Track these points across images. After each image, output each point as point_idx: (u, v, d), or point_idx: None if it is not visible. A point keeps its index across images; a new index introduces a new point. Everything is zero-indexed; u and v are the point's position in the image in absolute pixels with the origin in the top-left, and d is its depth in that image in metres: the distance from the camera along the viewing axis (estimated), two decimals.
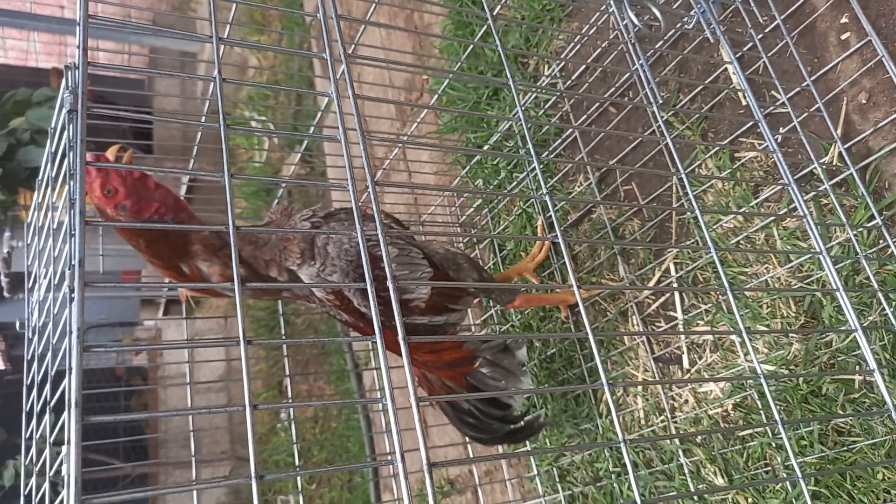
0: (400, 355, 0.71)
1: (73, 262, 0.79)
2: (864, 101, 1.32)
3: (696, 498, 1.59)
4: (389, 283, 0.74)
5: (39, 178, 1.55)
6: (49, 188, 1.46)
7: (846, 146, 1.33)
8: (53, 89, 4.79)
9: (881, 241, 1.27)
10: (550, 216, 1.98)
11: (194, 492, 1.83)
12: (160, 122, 4.87)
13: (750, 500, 1.49)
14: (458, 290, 1.62)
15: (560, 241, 0.92)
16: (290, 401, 2.52)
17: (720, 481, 1.54)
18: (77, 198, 0.80)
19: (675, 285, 1.69)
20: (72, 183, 1.05)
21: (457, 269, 1.61)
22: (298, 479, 2.46)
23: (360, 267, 1.33)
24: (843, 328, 1.22)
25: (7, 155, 4.21)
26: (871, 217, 1.27)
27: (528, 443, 2.13)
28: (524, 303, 1.82)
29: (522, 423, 1.66)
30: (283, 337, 2.42)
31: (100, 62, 0.86)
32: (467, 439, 2.32)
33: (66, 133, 1.17)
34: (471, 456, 2.32)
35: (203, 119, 1.82)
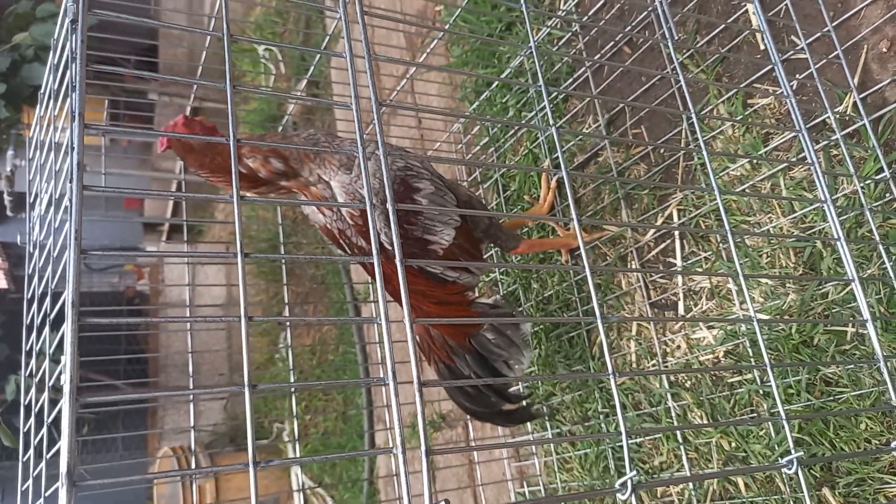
0: (398, 301, 0.72)
1: (71, 175, 0.78)
2: (884, 50, 1.28)
3: (680, 439, 1.62)
4: (389, 205, 0.73)
5: (42, 91, 1.53)
6: (51, 101, 1.45)
7: (861, 96, 1.30)
8: (57, 6, 4.68)
9: (888, 195, 1.25)
10: (557, 157, 1.96)
11: (191, 409, 1.88)
12: (166, 45, 4.77)
13: (734, 444, 1.52)
14: (476, 248, 1.60)
15: (564, 176, 0.91)
16: (289, 331, 2.55)
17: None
18: (77, 109, 0.79)
19: (676, 232, 1.68)
20: (73, 95, 1.03)
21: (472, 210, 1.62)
22: (294, 406, 2.51)
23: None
24: (841, 279, 1.22)
25: (10, 72, 4.14)
26: (880, 170, 1.26)
27: (520, 383, 2.17)
28: (527, 248, 1.81)
29: (518, 404, 1.66)
30: (284, 271, 2.43)
31: None
32: None
33: (68, 44, 1.14)
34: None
35: (209, 39, 1.79)
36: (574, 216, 0.89)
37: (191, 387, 2.14)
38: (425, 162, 1.50)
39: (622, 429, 0.79)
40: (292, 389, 2.14)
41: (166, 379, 4.40)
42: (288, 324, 2.13)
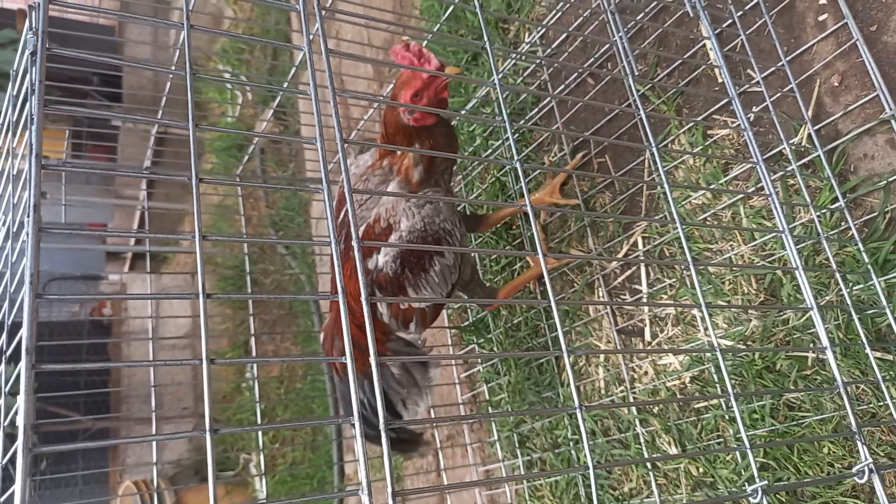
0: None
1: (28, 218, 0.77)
2: (836, 84, 1.33)
3: (649, 466, 1.63)
4: (354, 243, 0.73)
5: (0, 122, 1.49)
6: (10, 133, 1.42)
7: (816, 128, 1.34)
8: (18, 32, 4.61)
9: (843, 223, 1.29)
10: (524, 184, 1.98)
11: (154, 446, 1.83)
12: (130, 71, 4.73)
13: (701, 469, 1.53)
14: (434, 318, 1.63)
15: (528, 209, 0.93)
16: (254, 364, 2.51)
17: (674, 451, 1.58)
18: (34, 143, 0.77)
19: (641, 258, 1.71)
20: (31, 130, 1.02)
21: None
22: (260, 437, 2.47)
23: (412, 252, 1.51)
24: (800, 306, 1.24)
25: None
26: (835, 199, 1.29)
27: (489, 408, 2.16)
28: (504, 297, 1.80)
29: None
30: (250, 300, 2.40)
31: (62, 2, 0.82)
32: (430, 402, 2.34)
33: (28, 76, 1.13)
34: (433, 420, 2.35)
35: (173, 68, 1.78)
36: (539, 249, 0.90)
37: (153, 420, 2.09)
38: (462, 233, 1.57)
39: (589, 462, 0.79)
40: (259, 421, 2.10)
41: (128, 411, 4.28)
42: (254, 356, 2.10)
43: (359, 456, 0.60)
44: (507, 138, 2.07)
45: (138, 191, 4.88)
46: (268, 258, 3.87)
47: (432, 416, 2.38)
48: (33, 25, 1.17)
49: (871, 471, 0.95)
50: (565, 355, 0.84)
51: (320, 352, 3.16)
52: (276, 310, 3.93)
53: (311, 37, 0.91)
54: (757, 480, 0.88)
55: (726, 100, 1.49)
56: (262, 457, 2.34)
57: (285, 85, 2.22)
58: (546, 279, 0.88)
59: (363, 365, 1.56)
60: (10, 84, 1.43)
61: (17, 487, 0.57)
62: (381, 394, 0.66)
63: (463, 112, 2.22)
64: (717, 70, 1.53)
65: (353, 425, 0.66)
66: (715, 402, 1.51)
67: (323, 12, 0.90)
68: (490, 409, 2.16)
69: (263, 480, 2.73)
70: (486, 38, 1.06)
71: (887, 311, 1.20)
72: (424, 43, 2.09)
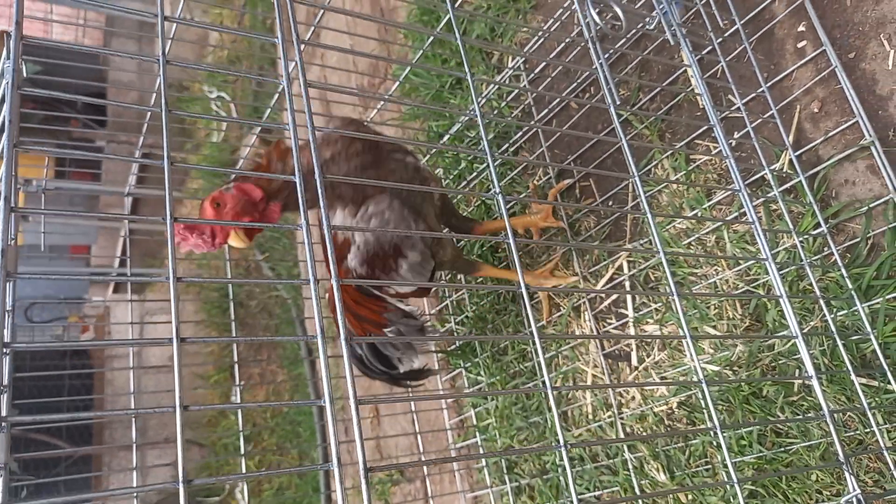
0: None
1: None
2: (816, 110, 1.34)
3: (638, 493, 1.61)
4: (325, 230, 0.72)
5: None
6: None
7: (797, 153, 1.35)
8: None
9: (825, 249, 1.29)
10: (505, 213, 1.98)
11: (135, 475, 1.79)
12: (115, 93, 4.71)
13: (690, 497, 1.52)
14: (423, 295, 1.75)
15: (511, 241, 0.92)
16: (241, 385, 2.48)
17: (662, 477, 1.57)
18: (2, 182, 0.76)
19: (626, 283, 1.70)
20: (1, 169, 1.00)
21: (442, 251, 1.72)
22: (243, 463, 2.43)
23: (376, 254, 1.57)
24: (784, 333, 1.24)
25: None
26: (817, 225, 1.30)
27: (477, 434, 2.14)
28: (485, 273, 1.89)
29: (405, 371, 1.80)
30: (234, 319, 2.37)
31: (35, 36, 0.81)
32: (417, 429, 2.32)
33: (5, 105, 1.11)
34: (420, 447, 2.32)
35: (154, 96, 1.77)
36: (521, 280, 0.89)
37: (134, 450, 2.05)
38: (425, 227, 1.59)
39: (574, 498, 0.78)
40: (244, 451, 2.07)
41: (111, 437, 4.21)
42: (239, 382, 2.08)
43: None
44: (495, 163, 2.07)
45: (122, 211, 4.83)
46: (253, 280, 3.84)
47: (419, 441, 2.35)
48: (10, 54, 1.16)
49: (859, 501, 0.94)
50: (549, 390, 0.83)
51: (307, 378, 3.13)
52: (262, 332, 3.89)
53: (289, 70, 0.90)
54: None
55: (707, 126, 1.49)
56: (245, 486, 2.31)
57: (269, 109, 2.21)
58: (527, 307, 0.87)
59: (360, 331, 1.71)
60: None
61: None
62: (352, 374, 0.66)
63: (444, 141, 2.22)
64: (698, 96, 1.54)
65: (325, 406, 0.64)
66: (702, 426, 1.50)
67: (302, 46, 0.90)
68: (478, 433, 2.14)
69: None
70: (467, 69, 1.05)
71: (871, 338, 1.19)
72: (407, 69, 2.09)
